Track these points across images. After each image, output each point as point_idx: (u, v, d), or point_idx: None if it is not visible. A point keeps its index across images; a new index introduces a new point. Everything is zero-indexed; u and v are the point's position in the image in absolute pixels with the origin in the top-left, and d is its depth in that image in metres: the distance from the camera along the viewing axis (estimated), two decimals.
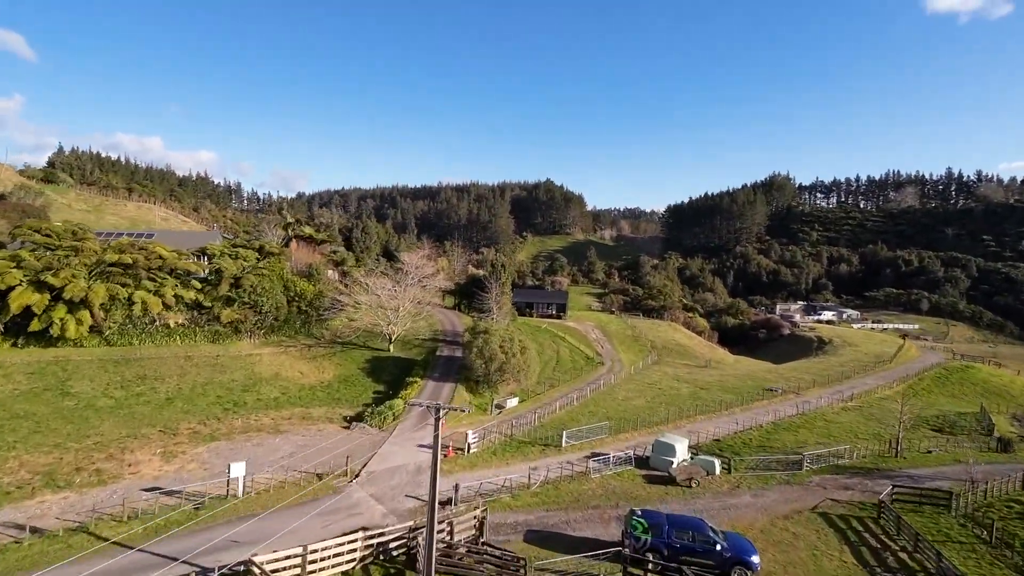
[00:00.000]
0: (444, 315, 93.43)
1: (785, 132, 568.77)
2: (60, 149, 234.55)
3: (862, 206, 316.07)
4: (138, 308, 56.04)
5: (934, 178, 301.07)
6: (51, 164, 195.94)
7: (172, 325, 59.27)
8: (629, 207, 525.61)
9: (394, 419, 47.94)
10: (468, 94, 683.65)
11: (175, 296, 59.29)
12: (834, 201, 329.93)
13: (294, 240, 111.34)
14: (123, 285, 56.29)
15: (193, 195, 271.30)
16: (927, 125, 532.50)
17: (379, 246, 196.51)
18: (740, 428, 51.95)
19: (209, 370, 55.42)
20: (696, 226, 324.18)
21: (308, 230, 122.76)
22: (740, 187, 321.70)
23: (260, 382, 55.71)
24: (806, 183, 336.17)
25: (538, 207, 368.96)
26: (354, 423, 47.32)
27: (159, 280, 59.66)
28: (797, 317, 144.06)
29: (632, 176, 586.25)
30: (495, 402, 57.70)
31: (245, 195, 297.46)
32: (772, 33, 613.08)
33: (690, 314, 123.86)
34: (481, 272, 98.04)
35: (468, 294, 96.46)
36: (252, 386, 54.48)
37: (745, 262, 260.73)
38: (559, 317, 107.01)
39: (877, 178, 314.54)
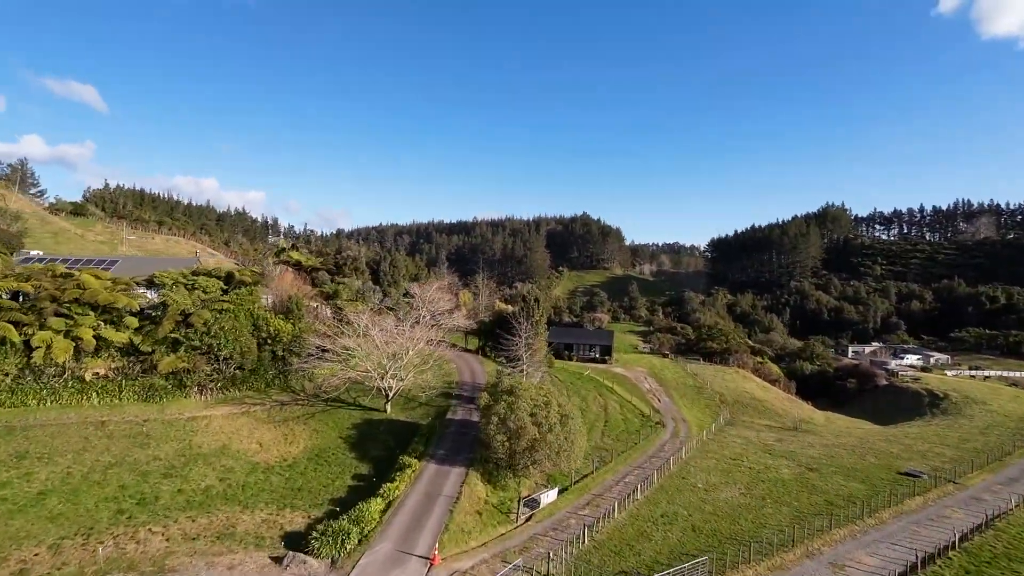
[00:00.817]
0: (464, 361, 75.11)
1: (838, 161, 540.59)
2: (105, 186, 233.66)
3: (927, 238, 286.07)
4: (39, 355, 40.69)
5: (1011, 207, 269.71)
6: (85, 199, 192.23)
7: (88, 378, 43.61)
8: (668, 242, 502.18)
9: (360, 542, 29.80)
10: (502, 128, 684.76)
11: (97, 337, 43.85)
12: (895, 233, 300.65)
13: (287, 270, 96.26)
14: (18, 324, 41.24)
15: (230, 230, 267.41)
16: (994, 152, 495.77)
17: (408, 280, 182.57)
18: (909, 556, 31.65)
19: (126, 443, 39.11)
20: (743, 260, 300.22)
21: (297, 255, 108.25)
22: (791, 219, 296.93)
23: (195, 461, 38.93)
24: (862, 214, 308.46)
25: (574, 241, 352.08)
26: (290, 556, 28.67)
27: (76, 317, 44.40)
28: (892, 364, 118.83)
29: (671, 209, 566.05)
30: (523, 498, 39.22)
31: (282, 230, 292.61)
32: (818, 62, 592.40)
33: (759, 358, 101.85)
34: (510, 308, 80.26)
35: (494, 335, 78.46)
36: (181, 468, 37.73)
37: (802, 298, 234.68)
38: (603, 361, 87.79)
39: (944, 208, 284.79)
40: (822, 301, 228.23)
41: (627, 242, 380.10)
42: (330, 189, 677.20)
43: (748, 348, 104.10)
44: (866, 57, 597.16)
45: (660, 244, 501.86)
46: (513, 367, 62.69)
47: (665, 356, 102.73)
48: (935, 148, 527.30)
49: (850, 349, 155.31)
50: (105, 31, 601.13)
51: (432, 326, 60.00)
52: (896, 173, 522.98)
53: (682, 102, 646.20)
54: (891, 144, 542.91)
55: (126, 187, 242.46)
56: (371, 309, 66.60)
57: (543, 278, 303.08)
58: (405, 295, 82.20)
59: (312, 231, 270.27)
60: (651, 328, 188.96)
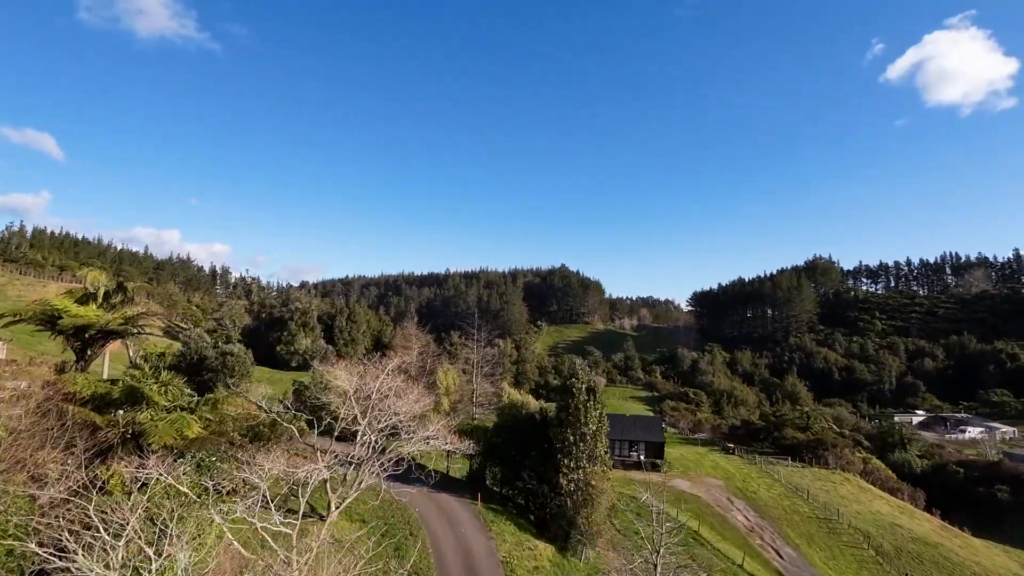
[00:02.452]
0: (441, 518, 34.69)
1: (819, 215, 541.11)
2: (19, 227, 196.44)
3: (916, 291, 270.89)
4: None
5: (999, 260, 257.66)
6: None
7: None
8: (642, 295, 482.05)
9: None
10: (477, 181, 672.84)
11: None
12: (882, 287, 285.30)
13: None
14: None
15: (169, 279, 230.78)
16: (971, 208, 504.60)
17: (369, 337, 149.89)
18: None
19: None
20: (732, 315, 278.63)
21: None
22: (780, 271, 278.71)
23: None
24: (847, 266, 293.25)
25: (553, 294, 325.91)
26: None
27: None
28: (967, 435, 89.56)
29: (646, 262, 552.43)
30: None
31: (232, 279, 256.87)
32: (785, 122, 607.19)
33: (865, 455, 71.53)
34: (535, 404, 46.40)
35: (506, 459, 41.46)
36: None
37: (807, 356, 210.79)
38: (655, 467, 57.66)
39: (932, 261, 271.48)
40: (830, 359, 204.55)
41: (606, 295, 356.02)
42: (299, 243, 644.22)
43: (839, 437, 74.70)
44: (826, 119, 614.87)
45: (635, 298, 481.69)
46: (549, 532, 31.94)
47: (729, 451, 71.17)
48: (902, 205, 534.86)
49: (896, 419, 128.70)
50: (65, 79, 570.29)
51: (381, 462, 28.19)
52: (871, 228, 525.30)
53: (653, 159, 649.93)
54: (862, 200, 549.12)
55: (52, 231, 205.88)
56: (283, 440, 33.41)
57: (522, 333, 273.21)
58: (301, 391, 49.52)
59: (255, 279, 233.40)
60: (654, 393, 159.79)
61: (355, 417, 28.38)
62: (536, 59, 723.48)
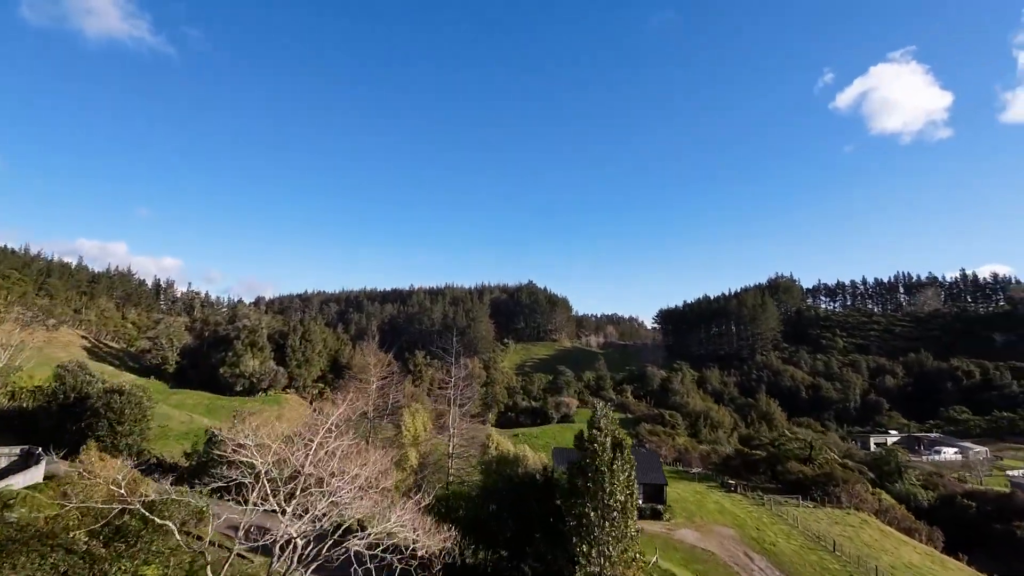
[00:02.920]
0: None
1: (779, 234, 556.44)
2: None
3: (871, 309, 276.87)
4: None
5: (947, 280, 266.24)
6: None
7: None
8: (607, 313, 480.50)
9: None
10: (443, 195, 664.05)
11: None
12: (839, 305, 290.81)
13: None
14: None
15: (107, 293, 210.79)
16: (917, 229, 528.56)
17: (325, 358, 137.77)
18: None
19: None
20: (698, 333, 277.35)
21: None
22: (743, 289, 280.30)
23: None
24: (807, 284, 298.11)
25: (520, 311, 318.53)
26: None
27: None
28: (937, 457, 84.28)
29: (613, 279, 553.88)
30: None
31: (178, 294, 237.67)
32: (738, 141, 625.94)
33: (874, 490, 65.03)
34: (538, 464, 33.72)
35: (495, 535, 29.69)
36: None
37: (774, 374, 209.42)
38: (657, 514, 49.68)
39: (886, 280, 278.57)
40: (797, 378, 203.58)
41: (573, 312, 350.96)
42: (255, 258, 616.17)
43: (847, 470, 68.41)
44: (781, 142, 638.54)
45: (600, 315, 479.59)
46: None
47: (730, 488, 63.03)
48: (855, 225, 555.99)
49: (872, 441, 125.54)
50: (2, 78, 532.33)
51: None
52: (828, 247, 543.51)
53: (618, 177, 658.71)
54: (819, 220, 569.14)
55: None
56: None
57: (489, 351, 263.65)
58: (209, 447, 38.53)
59: (197, 293, 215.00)
60: (628, 414, 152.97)
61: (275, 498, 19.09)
62: (503, 73, 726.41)
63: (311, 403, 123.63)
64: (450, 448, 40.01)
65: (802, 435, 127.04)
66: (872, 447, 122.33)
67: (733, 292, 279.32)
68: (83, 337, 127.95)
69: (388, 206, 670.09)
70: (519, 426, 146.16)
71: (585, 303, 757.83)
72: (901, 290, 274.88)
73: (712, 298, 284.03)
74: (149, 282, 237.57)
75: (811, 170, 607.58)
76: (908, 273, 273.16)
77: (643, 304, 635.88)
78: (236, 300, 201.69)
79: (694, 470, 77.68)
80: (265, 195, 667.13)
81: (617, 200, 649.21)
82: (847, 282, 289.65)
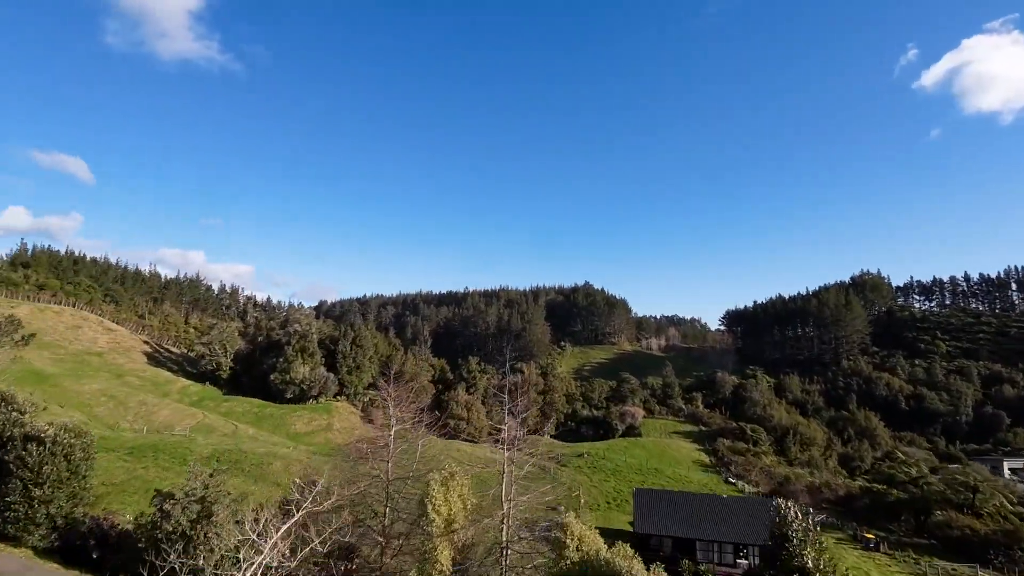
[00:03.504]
0: None
1: (857, 228, 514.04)
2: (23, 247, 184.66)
3: (977, 309, 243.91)
4: None
5: None
6: None
7: None
8: (667, 314, 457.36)
9: None
10: (498, 196, 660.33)
11: None
12: (936, 304, 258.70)
13: None
14: None
15: (175, 299, 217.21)
16: (994, 225, 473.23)
17: (376, 364, 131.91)
18: None
19: None
20: (772, 335, 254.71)
21: None
22: (821, 287, 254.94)
23: None
24: (897, 282, 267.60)
25: (577, 313, 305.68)
26: None
27: None
28: None
29: (673, 278, 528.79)
30: None
31: (242, 299, 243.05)
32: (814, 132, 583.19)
33: None
34: None
35: None
36: None
37: (865, 382, 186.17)
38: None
39: (994, 275, 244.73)
40: (894, 386, 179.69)
41: (632, 314, 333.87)
42: (320, 263, 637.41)
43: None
44: (857, 128, 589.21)
45: (660, 317, 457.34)
46: None
47: (869, 545, 48.39)
48: (947, 216, 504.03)
49: (1005, 466, 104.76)
50: (91, 101, 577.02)
51: None
52: (919, 241, 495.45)
53: (679, 172, 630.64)
54: (906, 212, 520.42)
55: (56, 250, 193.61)
56: None
57: (544, 355, 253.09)
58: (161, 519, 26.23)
59: (250, 297, 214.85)
60: (701, 427, 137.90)
61: None
62: (560, 72, 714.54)
63: (362, 411, 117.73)
64: (504, 535, 28.45)
65: (914, 456, 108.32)
66: (1006, 473, 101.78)
67: (812, 291, 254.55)
68: (145, 342, 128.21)
69: (444, 209, 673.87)
70: (580, 438, 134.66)
71: (643, 304, 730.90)
72: (1013, 287, 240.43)
73: (787, 298, 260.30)
74: (218, 288, 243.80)
75: (893, 157, 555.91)
76: (1020, 267, 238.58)
77: (706, 305, 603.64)
78: (288, 304, 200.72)
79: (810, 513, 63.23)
80: (327, 202, 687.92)
81: (677, 195, 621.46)
82: (945, 279, 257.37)
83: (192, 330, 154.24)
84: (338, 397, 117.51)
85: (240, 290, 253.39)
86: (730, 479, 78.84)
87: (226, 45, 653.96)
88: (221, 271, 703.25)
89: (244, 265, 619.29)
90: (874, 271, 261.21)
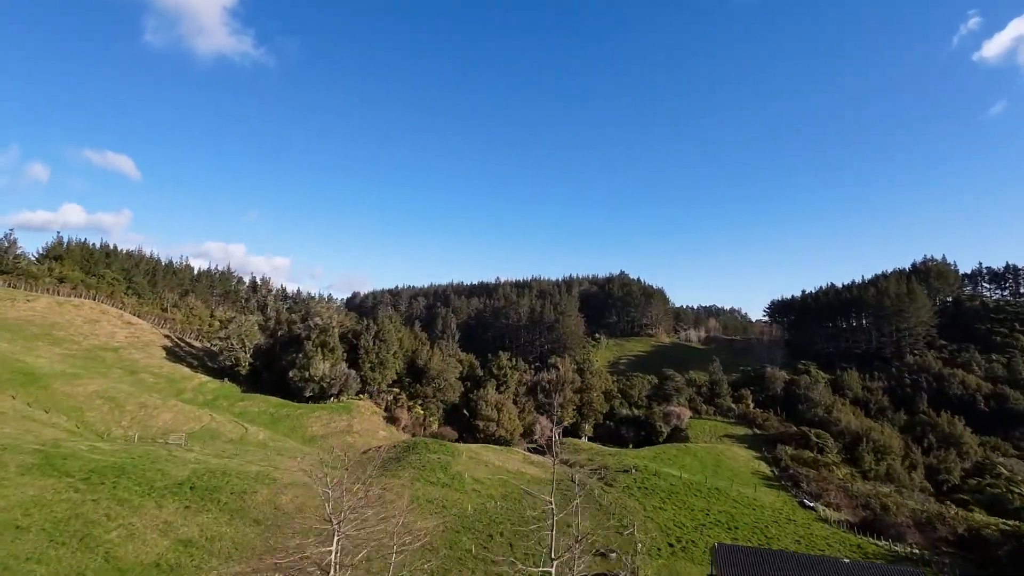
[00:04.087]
0: None
1: (918, 211, 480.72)
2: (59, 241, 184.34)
3: None
4: None
5: None
6: None
7: None
8: (704, 304, 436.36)
9: None
10: (529, 183, 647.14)
11: None
12: (1009, 292, 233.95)
13: None
14: None
15: (208, 292, 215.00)
16: None
17: (401, 360, 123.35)
18: None
19: None
20: (821, 327, 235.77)
21: None
22: (879, 275, 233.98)
23: None
24: (963, 269, 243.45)
25: (612, 304, 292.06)
26: None
27: None
28: None
29: (711, 268, 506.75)
30: None
31: (273, 291, 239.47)
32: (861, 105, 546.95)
33: None
34: None
35: None
36: None
37: (936, 379, 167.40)
38: None
39: None
40: (969, 384, 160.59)
41: (670, 304, 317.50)
42: (353, 255, 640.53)
43: None
44: (909, 104, 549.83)
45: (698, 307, 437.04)
46: None
47: None
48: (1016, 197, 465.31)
49: None
50: (134, 99, 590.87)
51: None
52: (982, 225, 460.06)
53: (718, 156, 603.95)
54: (967, 195, 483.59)
55: (87, 241, 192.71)
56: None
57: (578, 347, 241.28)
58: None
59: (269, 288, 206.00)
60: (755, 430, 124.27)
61: None
62: (597, 59, 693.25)
63: (385, 410, 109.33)
64: None
65: (1011, 467, 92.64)
66: None
67: (868, 279, 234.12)
68: (166, 336, 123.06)
69: (478, 197, 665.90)
70: (620, 440, 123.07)
71: (680, 294, 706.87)
72: None
73: (841, 287, 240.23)
74: (249, 281, 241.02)
75: (951, 133, 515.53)
76: None
77: (747, 295, 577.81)
78: (317, 296, 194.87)
79: (908, 548, 49.63)
80: (361, 194, 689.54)
81: (714, 181, 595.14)
82: (1021, 265, 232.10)
83: (217, 323, 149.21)
84: (360, 395, 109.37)
85: (269, 282, 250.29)
86: (805, 500, 66.18)
87: (260, 39, 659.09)
88: (261, 263, 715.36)
89: (281, 258, 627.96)
90: (938, 257, 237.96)
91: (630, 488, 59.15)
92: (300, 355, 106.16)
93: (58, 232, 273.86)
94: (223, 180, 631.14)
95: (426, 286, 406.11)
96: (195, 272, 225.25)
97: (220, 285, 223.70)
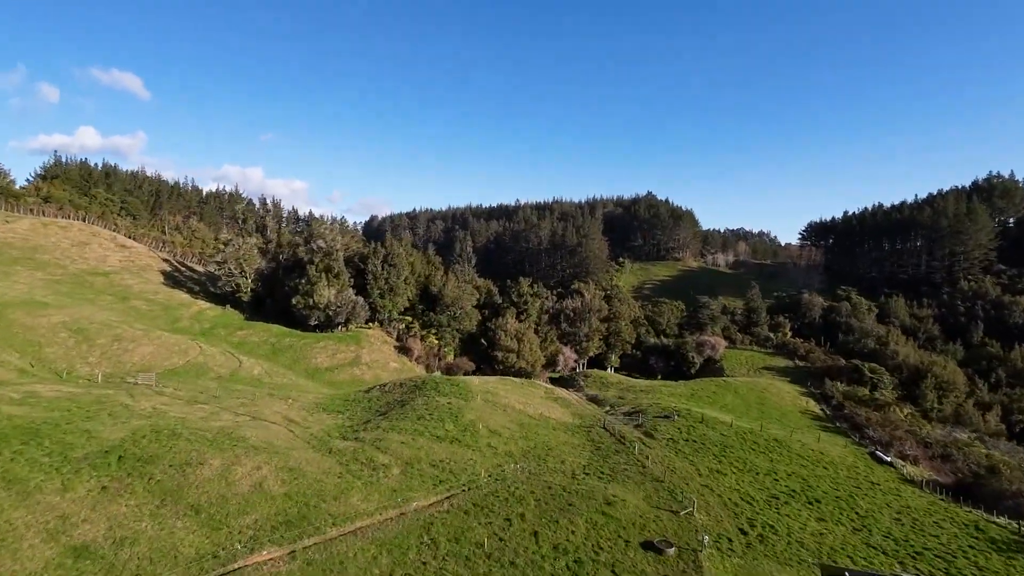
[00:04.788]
0: None
1: (975, 120, 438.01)
2: (57, 161, 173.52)
3: None
4: None
5: None
6: None
7: None
8: (731, 227, 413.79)
9: None
10: (549, 97, 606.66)
11: None
12: None
13: None
14: None
15: (217, 214, 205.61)
16: None
17: (413, 286, 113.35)
18: None
19: None
20: (863, 251, 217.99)
21: None
22: (935, 193, 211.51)
23: None
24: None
25: (638, 227, 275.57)
26: None
27: None
28: None
29: (739, 187, 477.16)
30: None
31: (285, 213, 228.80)
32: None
33: None
34: None
35: None
36: None
37: (996, 308, 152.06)
38: None
39: None
40: None
41: (699, 227, 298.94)
42: (372, 178, 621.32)
43: None
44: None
45: (725, 230, 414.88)
46: None
47: None
48: None
49: None
50: (142, 18, 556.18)
51: None
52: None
53: (750, 65, 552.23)
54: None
55: (86, 161, 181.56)
56: None
57: (602, 272, 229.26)
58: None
59: (268, 209, 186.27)
60: (797, 362, 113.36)
61: None
62: None
63: (396, 339, 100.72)
64: None
65: None
66: None
67: (922, 199, 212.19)
68: (164, 260, 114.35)
69: (495, 113, 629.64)
70: (648, 371, 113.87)
71: (705, 218, 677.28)
72: None
73: (890, 207, 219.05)
74: (259, 202, 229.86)
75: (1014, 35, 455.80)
76: None
77: (776, 218, 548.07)
78: (306, 216, 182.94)
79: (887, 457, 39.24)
80: (381, 115, 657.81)
81: (746, 95, 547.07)
82: None
83: (222, 246, 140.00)
84: (370, 323, 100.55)
85: (268, 203, 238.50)
86: (878, 452, 55.80)
87: None
88: (278, 187, 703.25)
89: (299, 181, 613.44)
90: (1005, 174, 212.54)
91: (675, 441, 49.14)
92: (303, 281, 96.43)
93: (55, 152, 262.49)
94: (236, 100, 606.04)
95: (444, 209, 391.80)
96: (203, 194, 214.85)
97: (229, 208, 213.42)
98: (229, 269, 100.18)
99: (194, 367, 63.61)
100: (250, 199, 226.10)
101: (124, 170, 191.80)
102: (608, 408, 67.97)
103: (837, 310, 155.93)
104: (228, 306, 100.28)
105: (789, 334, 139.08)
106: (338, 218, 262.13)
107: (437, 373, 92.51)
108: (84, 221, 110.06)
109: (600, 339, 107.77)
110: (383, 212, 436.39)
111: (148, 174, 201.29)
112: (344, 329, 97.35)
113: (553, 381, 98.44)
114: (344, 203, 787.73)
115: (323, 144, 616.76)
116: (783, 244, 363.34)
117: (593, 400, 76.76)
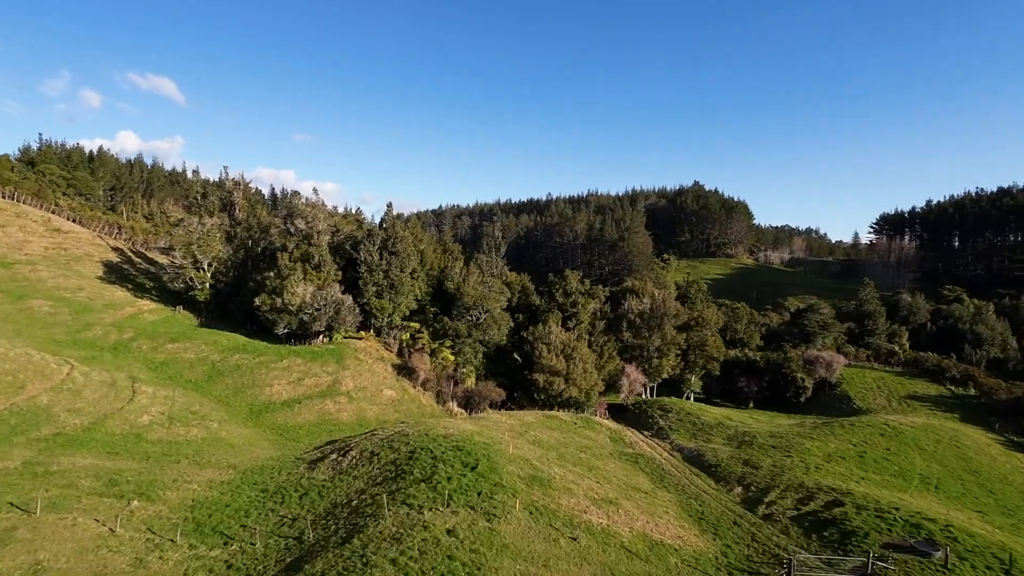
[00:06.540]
0: None
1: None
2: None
3: None
4: None
5: None
6: None
7: None
8: (774, 224, 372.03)
9: None
10: (588, 88, 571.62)
11: None
12: None
13: None
14: None
15: (180, 195, 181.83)
16: None
17: (423, 281, 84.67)
18: None
19: None
20: (960, 243, 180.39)
21: None
22: None
23: None
24: None
25: (685, 220, 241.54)
26: None
27: None
28: None
29: (799, 177, 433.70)
30: None
31: (242, 185, 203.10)
32: None
33: None
34: None
35: None
36: None
37: None
38: None
39: None
40: None
41: (754, 222, 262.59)
42: (402, 178, 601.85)
43: None
44: None
45: (779, 226, 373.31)
46: None
47: None
48: None
49: None
50: (171, 18, 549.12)
51: None
52: None
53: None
54: None
55: (67, 143, 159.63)
56: None
57: (646, 269, 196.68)
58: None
59: (237, 183, 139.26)
60: (948, 387, 79.86)
61: None
62: None
63: (399, 354, 71.90)
64: None
65: None
66: None
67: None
68: (115, 249, 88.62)
69: (526, 104, 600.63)
70: (736, 396, 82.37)
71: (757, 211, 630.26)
72: None
73: (997, 191, 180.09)
74: (268, 193, 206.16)
75: None
76: None
77: (826, 215, 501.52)
78: (285, 192, 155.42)
79: None
80: (410, 115, 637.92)
81: (807, 77, 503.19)
82: None
83: (171, 228, 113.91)
84: (362, 332, 72.07)
85: (298, 194, 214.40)
86: None
87: None
88: (309, 188, 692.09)
89: (332, 184, 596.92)
90: None
91: None
92: (272, 274, 68.72)
93: (40, 133, 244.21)
94: (270, 102, 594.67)
95: (471, 205, 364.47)
96: (208, 182, 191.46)
97: (206, 187, 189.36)
98: (177, 258, 73.37)
99: (24, 413, 35.87)
100: (258, 188, 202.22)
101: (113, 155, 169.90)
102: (745, 491, 37.37)
103: (948, 314, 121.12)
104: (180, 308, 73.57)
105: (907, 346, 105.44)
106: (369, 216, 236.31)
107: (453, 407, 63.21)
108: (9, 198, 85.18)
109: (676, 354, 76.63)
110: (410, 209, 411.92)
111: (145, 162, 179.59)
112: (325, 340, 69.08)
113: (612, 412, 68.49)
114: (376, 203, 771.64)
115: (354, 145, 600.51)
116: (834, 241, 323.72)
117: (694, 461, 46.36)
